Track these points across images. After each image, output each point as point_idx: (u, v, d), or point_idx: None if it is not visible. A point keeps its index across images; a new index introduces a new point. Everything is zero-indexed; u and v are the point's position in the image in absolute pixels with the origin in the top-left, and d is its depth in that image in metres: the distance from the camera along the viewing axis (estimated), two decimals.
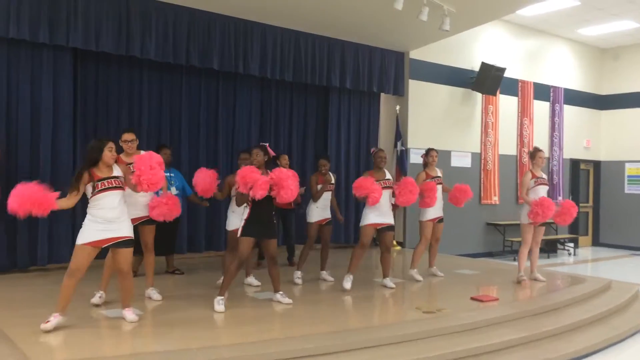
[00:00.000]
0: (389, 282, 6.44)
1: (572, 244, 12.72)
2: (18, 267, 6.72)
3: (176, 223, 6.68)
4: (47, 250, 6.87)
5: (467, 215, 11.03)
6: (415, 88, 10.46)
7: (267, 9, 8.09)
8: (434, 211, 7.05)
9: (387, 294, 6.33)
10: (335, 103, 9.82)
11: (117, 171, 4.58)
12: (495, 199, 11.62)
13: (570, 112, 13.18)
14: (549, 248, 12.16)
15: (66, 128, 7.06)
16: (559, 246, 12.57)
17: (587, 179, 14.05)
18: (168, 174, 6.54)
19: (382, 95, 10.45)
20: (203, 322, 4.80)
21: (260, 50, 8.49)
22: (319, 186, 6.61)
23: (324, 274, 6.82)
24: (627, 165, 13.55)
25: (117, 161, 4.70)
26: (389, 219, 6.33)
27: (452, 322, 5.08)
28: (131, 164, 5.03)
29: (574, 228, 13.25)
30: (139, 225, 5.32)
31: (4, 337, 4.17)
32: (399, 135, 10.20)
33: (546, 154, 12.56)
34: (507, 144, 11.97)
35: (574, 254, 12.47)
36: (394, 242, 10.17)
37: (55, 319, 4.31)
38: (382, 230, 6.31)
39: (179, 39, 7.71)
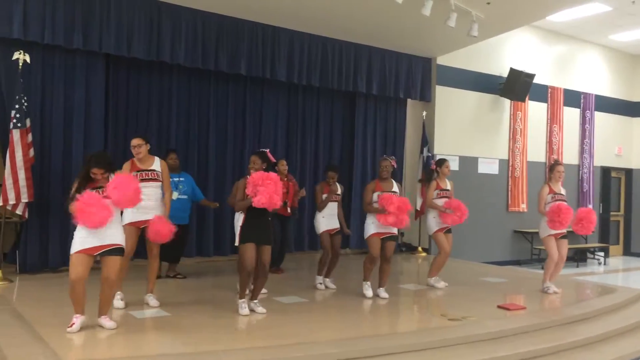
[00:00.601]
0: (382, 292, 6.17)
1: (602, 253, 12.45)
2: (49, 267, 6.88)
3: (185, 231, 6.77)
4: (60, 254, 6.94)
5: (494, 222, 10.92)
6: (442, 94, 10.40)
7: (295, 15, 8.15)
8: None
9: (410, 300, 6.28)
10: (361, 108, 9.83)
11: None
12: (524, 207, 11.45)
13: (601, 119, 12.93)
14: (579, 257, 11.94)
15: (97, 131, 7.22)
16: (589, 255, 12.32)
17: (618, 187, 13.75)
18: (177, 178, 6.63)
19: (409, 101, 10.42)
20: (223, 325, 4.85)
21: (288, 55, 8.56)
22: (324, 196, 6.53)
23: (328, 281, 6.68)
24: None
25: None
26: (391, 229, 6.15)
27: (478, 330, 5.02)
28: (145, 170, 5.20)
29: (604, 237, 12.98)
30: (144, 229, 5.19)
31: (36, 335, 4.27)
32: (426, 141, 10.15)
33: (576, 161, 12.37)
34: (536, 151, 11.80)
35: (605, 263, 12.21)
36: (420, 249, 10.14)
37: (78, 320, 4.37)
38: (384, 240, 6.11)
39: (207, 45, 7.82)
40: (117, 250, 4.45)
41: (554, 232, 6.65)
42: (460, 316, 5.38)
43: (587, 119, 12.67)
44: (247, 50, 8.16)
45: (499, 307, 5.90)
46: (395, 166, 6.38)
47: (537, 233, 10.97)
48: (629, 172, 13.72)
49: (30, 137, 6.38)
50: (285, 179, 6.88)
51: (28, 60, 6.36)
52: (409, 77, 9.99)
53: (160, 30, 7.44)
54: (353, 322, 5.24)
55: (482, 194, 10.73)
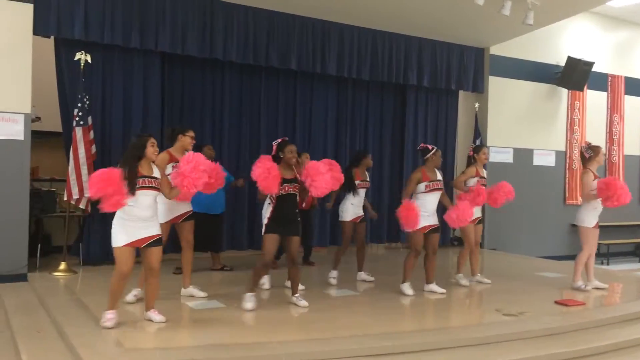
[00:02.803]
0: (434, 287, 6.04)
1: None
2: (110, 259, 7.11)
3: (220, 219, 6.94)
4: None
5: (550, 216, 10.61)
6: (496, 85, 10.16)
7: (345, 9, 8.14)
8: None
9: (462, 294, 6.21)
10: (412, 101, 9.73)
11: (156, 172, 4.48)
12: (581, 200, 11.04)
13: None
14: (636, 252, 11.48)
15: (155, 128, 7.43)
16: None
17: None
18: None
19: (461, 92, 10.24)
20: (271, 319, 4.93)
21: (338, 49, 8.56)
22: (357, 182, 6.42)
23: (362, 275, 6.57)
24: None
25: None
26: (436, 221, 6.01)
27: (534, 325, 4.92)
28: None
29: None
30: (180, 222, 5.35)
31: (98, 323, 4.42)
32: (478, 133, 9.95)
33: (638, 152, 11.86)
34: (595, 142, 11.29)
35: None
36: None
37: (112, 316, 4.34)
38: (429, 232, 5.92)
39: (259, 41, 7.93)
40: (159, 241, 4.48)
41: (594, 222, 6.36)
42: (516, 311, 5.28)
43: None
44: (297, 46, 8.21)
45: (556, 302, 5.75)
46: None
47: None
48: None
49: (92, 135, 6.65)
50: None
51: (89, 60, 6.62)
52: (461, 68, 9.81)
53: (213, 28, 7.59)
54: (405, 315, 5.23)
55: (538, 187, 10.44)
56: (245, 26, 7.84)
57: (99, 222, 7.02)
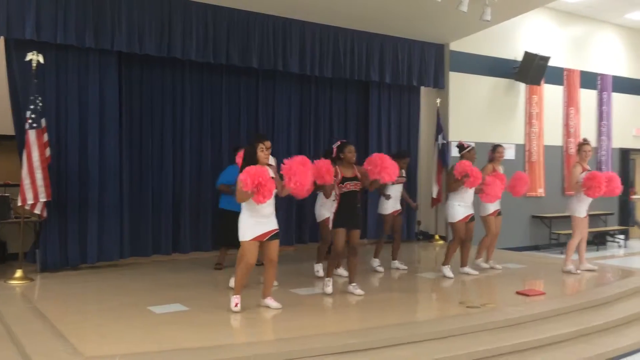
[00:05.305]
0: (467, 269, 6.92)
1: (622, 236, 12.30)
2: (69, 265, 6.97)
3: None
4: (96, 248, 7.10)
5: (511, 208, 10.78)
6: (456, 80, 10.30)
7: (305, 6, 8.11)
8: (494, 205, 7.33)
9: (431, 288, 6.27)
10: (375, 98, 9.77)
11: (271, 173, 4.93)
12: (541, 191, 11.34)
13: (619, 100, 12.70)
14: (599, 240, 11.80)
15: (112, 130, 7.27)
16: (609, 238, 12.16)
17: (638, 168, 13.52)
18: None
19: (422, 88, 10.33)
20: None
21: (299, 47, 8.52)
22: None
23: (397, 263, 7.29)
24: None
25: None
26: (472, 210, 6.86)
27: (497, 317, 5.01)
28: None
29: (624, 220, 12.81)
30: (266, 241, 5.03)
31: (56, 332, 4.34)
32: (440, 128, 10.07)
33: (594, 143, 12.19)
34: (553, 135, 11.65)
35: (625, 246, 12.06)
36: (437, 237, 10.10)
37: (238, 300, 4.95)
38: (469, 221, 6.82)
39: (218, 39, 7.82)
40: (277, 235, 5.02)
41: (585, 212, 6.93)
42: (479, 303, 5.36)
43: (604, 100, 12.46)
44: (258, 43, 8.14)
45: (518, 293, 5.87)
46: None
47: (555, 218, 10.99)
48: None
49: (46, 137, 6.43)
50: None
51: (42, 60, 6.41)
52: (422, 65, 9.90)
53: (171, 26, 7.45)
54: (371, 312, 5.24)
55: None
56: (205, 24, 7.72)
57: (55, 227, 6.84)
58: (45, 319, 4.72)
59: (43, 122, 6.39)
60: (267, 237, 4.95)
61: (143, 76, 7.83)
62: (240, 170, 4.84)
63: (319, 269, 6.68)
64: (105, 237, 7.18)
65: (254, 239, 4.90)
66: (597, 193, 6.70)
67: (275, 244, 5.02)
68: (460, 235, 6.78)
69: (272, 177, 4.88)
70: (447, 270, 6.79)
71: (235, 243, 5.19)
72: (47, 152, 6.45)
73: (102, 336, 4.31)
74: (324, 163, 5.49)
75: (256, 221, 4.88)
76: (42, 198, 6.29)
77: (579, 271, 7.05)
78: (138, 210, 7.72)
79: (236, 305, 4.94)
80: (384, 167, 5.67)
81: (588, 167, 7.00)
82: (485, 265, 7.34)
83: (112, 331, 4.42)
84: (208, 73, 8.31)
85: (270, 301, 5.12)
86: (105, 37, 7.00)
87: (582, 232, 6.98)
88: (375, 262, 7.18)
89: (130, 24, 7.15)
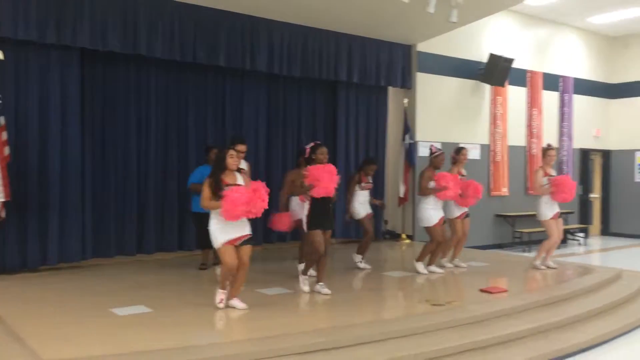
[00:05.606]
0: (433, 268, 7.07)
1: (582, 234, 12.64)
2: (28, 267, 6.79)
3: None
4: (57, 249, 6.93)
5: (476, 207, 10.89)
6: (423, 81, 10.41)
7: (274, 5, 8.08)
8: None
9: (397, 287, 6.33)
10: (343, 98, 9.80)
11: (240, 180, 5.02)
12: (505, 190, 11.56)
13: (580, 102, 13.06)
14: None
15: (74, 128, 7.10)
16: (569, 236, 12.48)
17: (596, 168, 13.93)
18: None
19: (390, 88, 10.41)
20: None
21: (268, 46, 8.48)
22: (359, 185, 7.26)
23: (360, 259, 7.36)
24: (637, 154, 13.42)
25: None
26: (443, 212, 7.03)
27: (461, 314, 5.08)
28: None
29: (584, 218, 13.17)
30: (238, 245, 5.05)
31: (14, 335, 4.23)
32: (407, 128, 10.17)
33: (555, 144, 12.48)
34: (516, 135, 11.89)
35: (584, 244, 12.40)
36: (403, 236, 10.20)
37: (223, 296, 5.05)
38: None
39: (185, 37, 7.73)
40: (250, 240, 5.07)
41: (551, 214, 7.14)
42: (443, 301, 5.43)
43: (566, 102, 12.79)
44: (225, 42, 8.06)
45: (481, 290, 5.97)
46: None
47: (518, 216, 11.23)
48: (606, 154, 13.90)
49: (5, 135, 6.26)
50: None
51: (1, 56, 6.21)
52: (390, 65, 9.97)
53: (136, 23, 7.32)
54: (337, 310, 5.26)
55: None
56: (171, 21, 7.61)
57: (14, 228, 6.66)
58: (2, 322, 4.59)
59: (2, 120, 6.23)
60: (239, 242, 4.98)
61: (107, 73, 7.69)
62: (212, 173, 4.96)
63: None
64: (66, 238, 7.02)
65: (227, 243, 4.92)
66: (561, 198, 7.04)
67: (247, 249, 5.04)
68: (439, 238, 6.84)
69: (241, 185, 4.94)
70: (421, 267, 6.93)
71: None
72: (6, 150, 6.28)
73: (62, 339, 4.21)
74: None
75: (227, 225, 4.89)
76: (1, 198, 6.11)
77: (543, 267, 7.32)
78: (101, 210, 7.59)
79: (221, 301, 5.02)
80: (320, 183, 5.52)
81: (552, 172, 7.23)
82: (449, 265, 7.40)
83: (73, 334, 4.32)
84: (174, 71, 8.21)
85: (236, 302, 5.10)
86: (68, 32, 6.83)
87: (554, 235, 7.20)
88: (357, 257, 7.35)
89: (93, 20, 6.99)
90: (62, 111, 7.01)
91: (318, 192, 5.51)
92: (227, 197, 4.77)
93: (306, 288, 5.81)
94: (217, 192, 4.87)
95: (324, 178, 5.47)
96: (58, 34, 6.78)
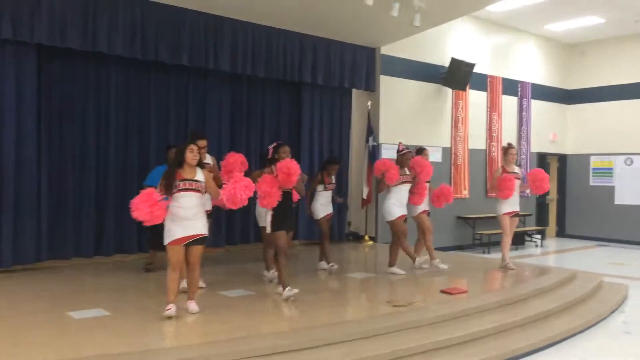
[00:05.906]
0: (395, 269, 7.06)
1: (539, 236, 12.98)
2: None
3: None
4: (10, 251, 6.71)
5: (437, 209, 11.11)
6: (387, 83, 10.51)
7: (238, 5, 8.02)
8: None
9: (360, 288, 6.35)
10: (307, 99, 9.80)
11: (199, 176, 4.88)
12: (465, 193, 11.77)
13: (538, 107, 13.43)
14: (517, 240, 12.35)
15: (30, 125, 6.89)
16: (527, 238, 12.80)
17: (553, 171, 14.33)
18: None
19: (354, 91, 10.47)
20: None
21: (231, 46, 8.40)
22: (321, 186, 7.24)
23: (324, 264, 7.29)
24: (592, 158, 13.89)
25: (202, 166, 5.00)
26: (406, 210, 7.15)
27: (422, 315, 5.15)
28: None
29: (541, 220, 13.52)
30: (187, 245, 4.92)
31: None
32: (371, 130, 10.25)
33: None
34: (477, 139, 12.13)
35: (541, 246, 12.73)
36: (366, 237, 10.26)
37: (173, 307, 4.78)
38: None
39: (147, 35, 7.58)
40: (201, 240, 4.90)
41: (503, 210, 7.33)
42: (405, 302, 5.48)
43: (524, 106, 13.12)
44: (188, 41, 7.95)
45: (442, 291, 6.05)
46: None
47: (478, 219, 11.45)
48: (563, 158, 14.33)
49: None
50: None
51: None
52: (354, 67, 10.03)
53: (96, 19, 7.15)
54: (299, 313, 5.25)
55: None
56: (132, 18, 7.46)
57: None
58: None
59: None
60: (187, 242, 4.82)
61: (65, 69, 7.47)
62: (168, 168, 4.91)
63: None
64: (20, 238, 6.79)
65: (172, 243, 4.79)
66: (509, 195, 7.26)
67: (195, 250, 4.89)
68: (400, 232, 6.95)
69: (198, 181, 4.86)
70: (396, 269, 7.02)
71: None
72: None
73: (15, 345, 4.08)
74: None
75: (177, 224, 4.78)
76: None
77: (513, 266, 7.48)
78: (57, 210, 7.36)
79: (168, 309, 4.77)
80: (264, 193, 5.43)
81: (514, 170, 7.41)
82: (443, 266, 7.31)
83: (27, 339, 4.19)
84: (136, 69, 8.03)
85: (189, 304, 5.00)
86: (24, 27, 6.62)
87: (508, 230, 7.43)
88: (323, 264, 7.29)
89: (51, 15, 6.80)
90: (17, 108, 6.78)
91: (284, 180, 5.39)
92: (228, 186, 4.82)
93: (293, 291, 5.50)
94: (167, 188, 4.74)
95: (290, 168, 5.38)
96: (14, 29, 6.57)
